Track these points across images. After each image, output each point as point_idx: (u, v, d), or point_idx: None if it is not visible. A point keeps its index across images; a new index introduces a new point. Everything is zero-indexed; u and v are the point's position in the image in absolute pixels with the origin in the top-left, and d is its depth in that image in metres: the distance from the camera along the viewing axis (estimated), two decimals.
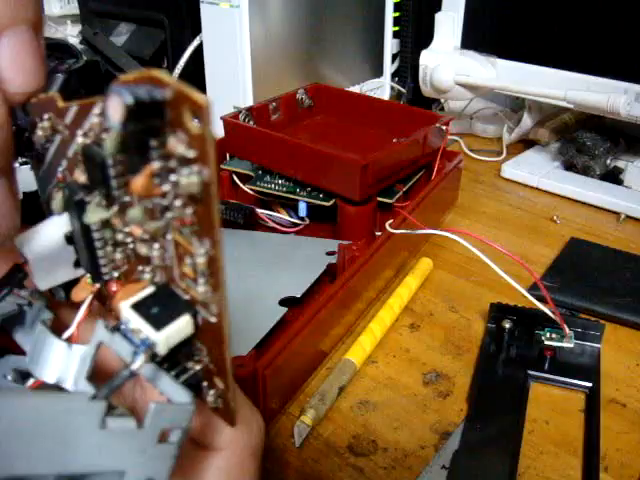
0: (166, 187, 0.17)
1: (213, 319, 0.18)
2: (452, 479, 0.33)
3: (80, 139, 0.19)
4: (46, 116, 0.20)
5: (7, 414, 0.16)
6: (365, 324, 0.44)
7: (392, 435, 0.37)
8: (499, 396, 0.39)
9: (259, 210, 0.53)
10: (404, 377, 0.41)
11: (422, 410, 0.38)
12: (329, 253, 0.48)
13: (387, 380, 0.41)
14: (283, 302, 0.42)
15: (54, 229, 0.20)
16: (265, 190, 0.53)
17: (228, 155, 0.57)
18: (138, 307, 0.18)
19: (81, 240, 0.20)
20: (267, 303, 0.42)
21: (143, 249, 0.19)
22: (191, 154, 0.15)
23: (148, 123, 0.16)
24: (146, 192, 0.17)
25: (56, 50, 0.75)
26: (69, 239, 0.20)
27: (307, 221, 0.53)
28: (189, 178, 0.16)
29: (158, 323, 0.18)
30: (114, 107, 0.15)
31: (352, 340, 0.43)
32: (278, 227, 0.53)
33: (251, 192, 0.54)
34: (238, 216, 0.51)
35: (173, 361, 0.20)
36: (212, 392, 0.20)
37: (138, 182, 0.17)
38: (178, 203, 0.17)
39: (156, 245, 0.18)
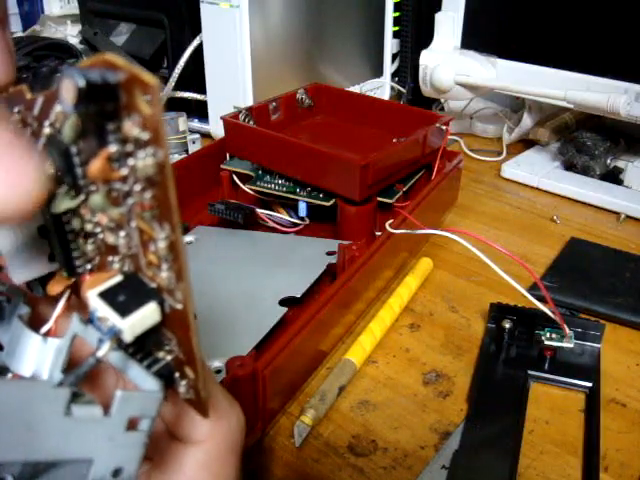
0: (124, 171, 0.17)
1: (179, 306, 0.18)
2: (452, 479, 0.33)
3: (47, 130, 0.19)
4: (16, 109, 0.20)
5: None
6: (365, 324, 0.45)
7: (392, 435, 0.37)
8: (499, 396, 0.39)
9: (259, 210, 0.53)
10: (404, 377, 0.41)
11: (422, 410, 0.38)
12: (329, 253, 0.48)
13: (387, 380, 0.41)
14: (283, 302, 0.42)
15: (28, 222, 0.20)
16: (265, 190, 0.53)
17: (228, 155, 0.57)
18: (105, 295, 0.18)
19: (53, 232, 0.20)
20: (267, 303, 0.42)
21: (110, 238, 0.19)
22: (145, 136, 0.16)
23: (102, 106, 0.16)
24: (102, 175, 0.17)
25: (56, 50, 0.75)
26: (42, 232, 0.21)
27: (307, 221, 0.53)
28: (145, 160, 0.16)
29: (124, 310, 0.18)
30: (66, 89, 0.15)
31: (352, 340, 0.43)
32: (278, 227, 0.53)
33: (251, 192, 0.54)
34: (238, 216, 0.51)
35: (145, 352, 0.20)
36: (184, 383, 0.20)
37: (94, 165, 0.17)
38: (137, 188, 0.17)
39: (122, 233, 0.19)
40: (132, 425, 0.18)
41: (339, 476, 0.34)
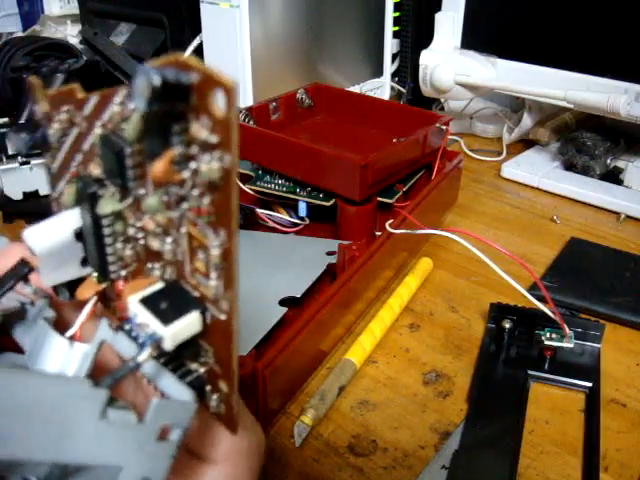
0: (186, 174, 0.16)
1: (223, 316, 0.18)
2: (452, 479, 0.33)
3: (98, 130, 0.19)
4: (64, 108, 0.20)
5: (4, 391, 0.15)
6: (365, 324, 0.44)
7: (392, 435, 0.37)
8: (499, 396, 0.39)
9: (259, 210, 0.53)
10: (404, 377, 0.41)
11: (422, 410, 0.38)
12: (329, 253, 0.48)
13: (387, 380, 0.41)
14: (283, 302, 0.42)
15: (64, 224, 0.20)
16: (265, 190, 0.53)
17: None
18: (146, 302, 0.18)
19: (91, 235, 0.20)
20: (267, 303, 0.42)
21: (155, 244, 0.19)
22: (214, 139, 0.15)
23: (173, 106, 0.15)
24: (166, 176, 0.17)
25: (56, 50, 0.75)
26: (78, 235, 0.20)
27: (307, 221, 0.53)
28: (210, 164, 0.15)
29: (166, 318, 0.18)
30: (141, 87, 0.15)
31: (352, 340, 0.43)
32: (278, 227, 0.53)
33: (251, 192, 0.54)
34: (238, 216, 0.51)
35: (178, 363, 0.19)
36: (215, 397, 0.20)
37: (159, 166, 0.17)
38: (195, 192, 0.16)
39: (169, 239, 0.18)
40: (163, 435, 0.18)
41: (339, 476, 0.34)
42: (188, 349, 0.19)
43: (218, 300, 0.18)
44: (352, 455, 0.35)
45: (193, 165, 0.16)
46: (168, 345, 0.18)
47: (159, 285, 0.19)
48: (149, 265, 0.20)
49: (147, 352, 0.18)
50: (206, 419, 0.22)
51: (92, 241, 0.20)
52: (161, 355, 0.19)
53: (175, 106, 0.15)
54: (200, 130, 0.15)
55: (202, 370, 0.20)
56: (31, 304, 0.21)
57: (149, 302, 0.18)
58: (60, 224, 0.20)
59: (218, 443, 0.22)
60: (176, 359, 0.19)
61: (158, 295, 0.18)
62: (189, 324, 0.18)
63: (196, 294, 0.18)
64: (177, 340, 0.18)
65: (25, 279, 0.21)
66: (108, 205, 0.19)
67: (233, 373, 0.19)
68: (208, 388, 0.20)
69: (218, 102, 0.15)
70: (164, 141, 0.16)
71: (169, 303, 0.18)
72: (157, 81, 0.15)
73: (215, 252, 0.17)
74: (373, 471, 0.34)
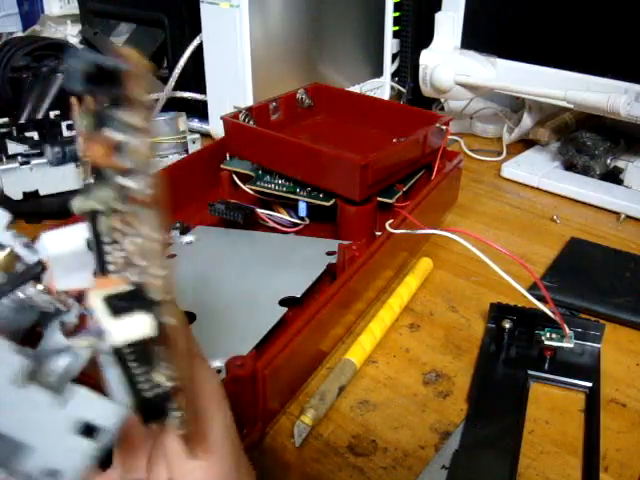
0: (124, 161, 0.17)
1: (172, 320, 0.18)
2: (452, 479, 0.33)
3: None
4: None
5: None
6: (365, 324, 0.44)
7: (392, 435, 0.37)
8: (499, 396, 0.39)
9: (259, 210, 0.53)
10: (404, 377, 0.41)
11: (422, 410, 0.38)
12: (329, 253, 0.48)
13: (387, 380, 0.41)
14: (283, 302, 0.42)
15: (77, 233, 0.21)
16: (265, 190, 0.53)
17: (228, 155, 0.57)
18: (107, 299, 0.19)
19: (94, 242, 0.21)
20: (267, 303, 0.42)
21: (126, 244, 0.20)
22: (138, 123, 0.16)
23: (107, 91, 0.16)
24: (104, 160, 0.18)
25: (56, 50, 0.75)
26: (90, 245, 0.21)
27: (307, 221, 0.53)
28: (137, 149, 0.17)
29: (116, 314, 0.18)
30: (72, 68, 0.16)
31: (352, 340, 0.43)
32: (278, 227, 0.53)
33: (251, 192, 0.54)
34: (238, 216, 0.51)
35: (147, 375, 0.20)
36: (178, 414, 0.20)
37: (95, 148, 0.18)
38: (133, 180, 0.17)
39: (133, 238, 0.19)
40: (88, 433, 0.18)
41: (339, 476, 0.34)
42: (150, 358, 0.19)
43: (166, 302, 0.18)
44: (352, 455, 0.35)
45: (127, 151, 0.17)
46: (115, 340, 0.18)
47: (124, 287, 0.20)
48: (128, 270, 0.20)
49: (84, 340, 0.18)
50: (175, 437, 0.21)
51: (94, 242, 0.21)
52: (136, 365, 0.19)
53: (110, 91, 0.16)
54: (128, 115, 0.16)
55: (169, 384, 0.20)
56: (66, 310, 0.22)
57: (109, 299, 0.19)
58: (74, 232, 0.21)
59: (179, 464, 0.21)
60: (146, 371, 0.20)
61: (120, 295, 0.19)
62: (137, 324, 0.18)
63: (154, 298, 0.19)
64: (125, 337, 0.18)
65: (37, 278, 0.22)
66: (86, 203, 0.20)
67: (183, 386, 0.19)
68: (173, 405, 0.20)
69: (137, 86, 0.16)
70: (104, 126, 0.17)
71: (126, 304, 0.19)
72: (87, 64, 0.16)
73: (148, 246, 0.18)
74: (373, 471, 0.34)
